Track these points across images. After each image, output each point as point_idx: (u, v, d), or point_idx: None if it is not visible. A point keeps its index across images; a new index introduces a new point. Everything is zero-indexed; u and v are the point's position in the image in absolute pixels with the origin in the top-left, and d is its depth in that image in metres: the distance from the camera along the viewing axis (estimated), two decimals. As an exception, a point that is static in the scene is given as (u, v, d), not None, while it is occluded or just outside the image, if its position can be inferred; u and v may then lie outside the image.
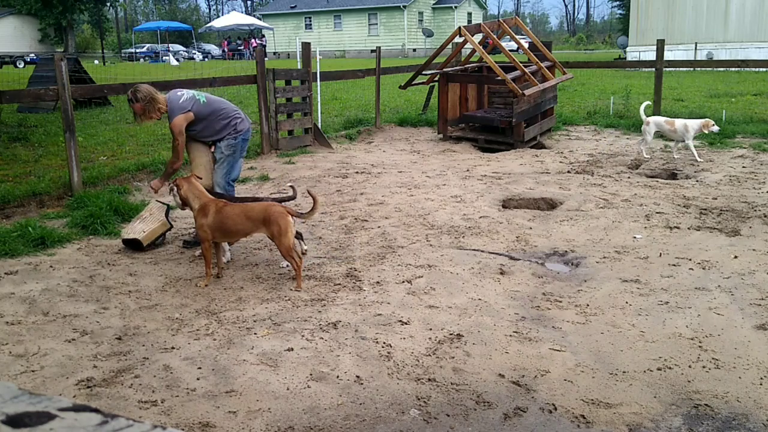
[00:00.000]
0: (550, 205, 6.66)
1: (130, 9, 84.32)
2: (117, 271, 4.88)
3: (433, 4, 51.58)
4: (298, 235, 4.92)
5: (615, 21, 64.08)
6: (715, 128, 8.49)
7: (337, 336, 3.72)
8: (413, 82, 11.17)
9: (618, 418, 2.92)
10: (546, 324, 3.88)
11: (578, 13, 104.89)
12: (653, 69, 11.82)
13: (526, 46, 11.63)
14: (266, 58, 10.01)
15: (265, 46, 48.54)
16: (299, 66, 10.38)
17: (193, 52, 47.35)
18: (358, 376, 3.27)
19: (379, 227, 5.84)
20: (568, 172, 7.99)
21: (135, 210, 6.07)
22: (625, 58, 27.58)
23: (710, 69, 22.21)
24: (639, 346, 3.57)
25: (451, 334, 3.73)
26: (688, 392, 3.11)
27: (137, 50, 48.19)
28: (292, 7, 53.19)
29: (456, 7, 50.88)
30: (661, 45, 11.52)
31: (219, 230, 4.59)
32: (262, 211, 4.54)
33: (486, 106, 11.12)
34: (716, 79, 19.41)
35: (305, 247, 5.14)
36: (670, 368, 3.32)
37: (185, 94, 5.16)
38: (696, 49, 25.58)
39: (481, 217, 6.10)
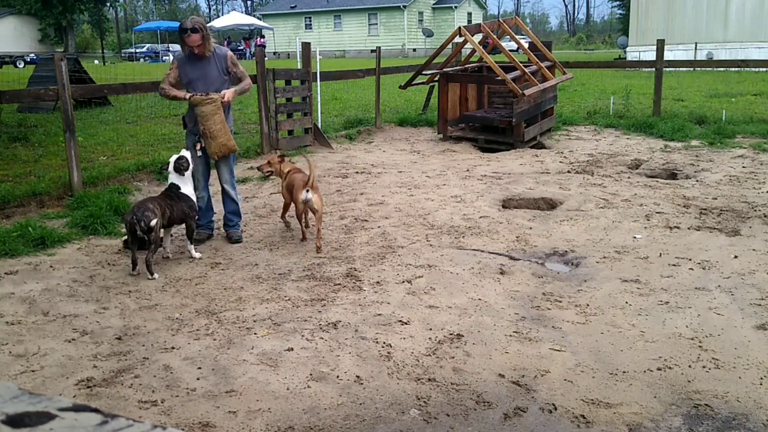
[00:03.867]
0: (550, 205, 6.66)
1: (130, 9, 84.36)
2: (117, 271, 4.88)
3: (433, 4, 51.58)
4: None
5: (615, 21, 64.11)
6: None
7: (337, 336, 3.72)
8: (413, 82, 11.17)
9: (618, 418, 2.92)
10: (546, 324, 3.88)
11: (578, 13, 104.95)
12: (653, 69, 11.83)
13: (526, 46, 11.64)
14: (267, 58, 10.01)
15: (264, 46, 48.56)
16: (299, 66, 10.38)
17: (194, 51, 47.19)
18: (358, 376, 3.27)
19: (379, 227, 5.85)
20: (568, 172, 7.99)
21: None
22: (625, 58, 27.58)
23: (710, 69, 22.21)
24: (639, 346, 3.57)
25: (451, 334, 3.73)
26: (688, 392, 3.11)
27: (137, 50, 48.20)
28: (292, 7, 53.19)
29: (456, 7, 50.87)
30: (661, 45, 11.52)
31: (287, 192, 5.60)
32: (292, 179, 5.50)
33: (486, 106, 11.12)
34: (716, 79, 19.41)
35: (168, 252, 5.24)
36: (670, 368, 3.32)
37: None
38: (696, 49, 25.57)
39: (481, 217, 6.10)
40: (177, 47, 5.42)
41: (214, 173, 5.74)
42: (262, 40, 48.56)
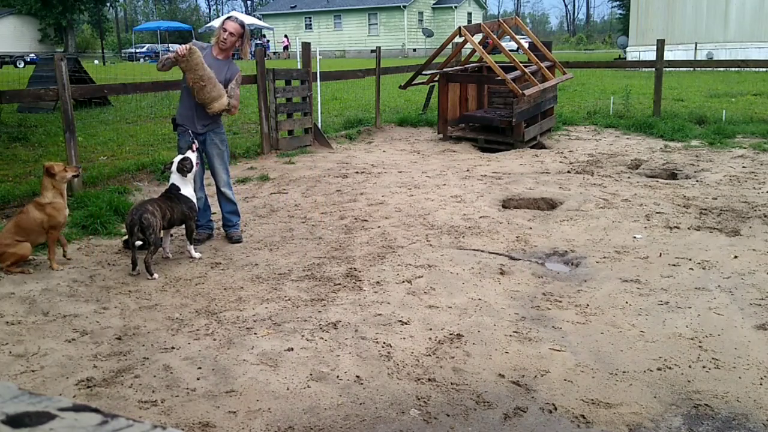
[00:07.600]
0: (550, 205, 6.66)
1: (130, 9, 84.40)
2: (117, 271, 4.88)
3: (433, 4, 51.58)
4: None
5: (615, 21, 64.10)
6: None
7: (337, 336, 3.72)
8: (413, 82, 11.17)
9: (618, 418, 2.92)
10: (546, 324, 3.88)
11: (578, 13, 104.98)
12: (653, 69, 11.83)
13: (526, 46, 11.64)
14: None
15: (287, 47, 48.67)
16: (299, 66, 10.38)
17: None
18: (358, 376, 3.27)
19: (379, 227, 5.84)
20: (568, 172, 7.99)
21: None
22: (625, 58, 27.58)
23: (710, 69, 22.22)
24: (639, 346, 3.57)
25: (451, 334, 3.73)
26: (688, 392, 3.11)
27: (137, 50, 48.20)
28: (292, 7, 53.20)
29: (456, 7, 50.88)
30: (661, 45, 11.52)
31: None
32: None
33: (486, 106, 11.12)
34: (716, 79, 19.42)
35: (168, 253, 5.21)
36: (670, 368, 3.32)
37: None
38: (696, 49, 25.58)
39: (481, 217, 6.10)
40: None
41: (207, 174, 5.74)
42: (286, 41, 48.69)
